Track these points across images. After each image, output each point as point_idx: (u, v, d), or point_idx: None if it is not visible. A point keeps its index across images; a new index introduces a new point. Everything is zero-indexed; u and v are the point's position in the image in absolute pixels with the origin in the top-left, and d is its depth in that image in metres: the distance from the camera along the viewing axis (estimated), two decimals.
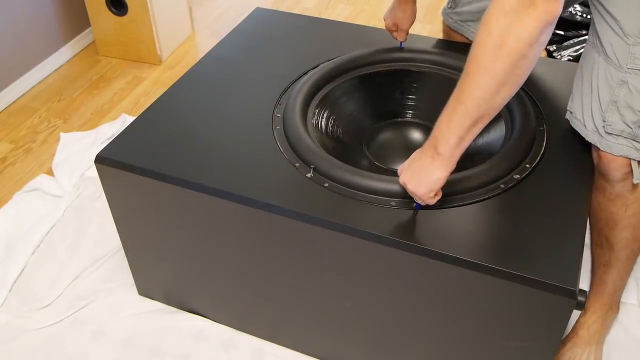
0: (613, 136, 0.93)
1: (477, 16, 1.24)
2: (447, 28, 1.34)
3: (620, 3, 0.89)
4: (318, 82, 1.13)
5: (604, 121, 0.93)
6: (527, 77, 0.75)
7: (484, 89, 0.74)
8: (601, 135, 0.94)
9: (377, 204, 0.91)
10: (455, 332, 0.94)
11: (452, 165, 0.83)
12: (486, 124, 0.78)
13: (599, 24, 0.93)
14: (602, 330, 1.15)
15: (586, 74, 0.96)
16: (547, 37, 0.71)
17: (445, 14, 1.33)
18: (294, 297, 1.06)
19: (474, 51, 0.74)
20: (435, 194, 0.86)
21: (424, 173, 0.83)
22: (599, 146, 0.95)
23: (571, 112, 1.00)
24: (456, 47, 1.28)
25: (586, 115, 0.96)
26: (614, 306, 1.15)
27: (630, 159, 0.94)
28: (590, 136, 0.96)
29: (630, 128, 0.91)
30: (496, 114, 0.78)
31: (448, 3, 1.32)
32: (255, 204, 0.93)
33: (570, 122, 1.01)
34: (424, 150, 0.84)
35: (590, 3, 0.96)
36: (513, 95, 0.76)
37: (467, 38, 1.29)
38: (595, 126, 0.95)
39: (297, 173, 0.97)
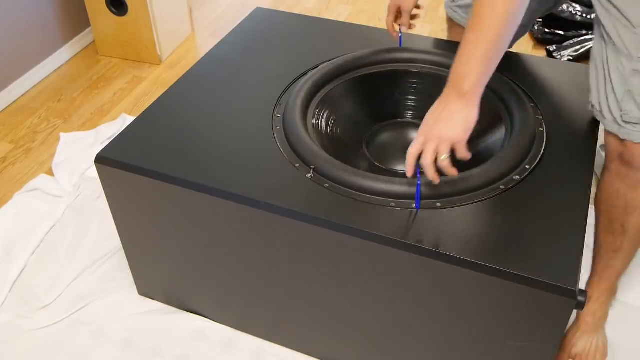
0: (631, 124, 0.95)
1: None
2: (451, 22, 1.34)
3: None
4: (318, 82, 1.13)
5: (621, 110, 0.95)
6: None
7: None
8: (620, 125, 0.96)
9: (377, 204, 0.91)
10: (455, 332, 0.94)
11: (478, 101, 0.86)
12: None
13: (604, 17, 0.95)
14: (606, 314, 1.19)
15: (599, 67, 0.98)
16: None
17: (448, 7, 1.33)
18: (294, 297, 1.06)
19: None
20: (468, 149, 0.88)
21: (457, 115, 0.85)
22: (619, 135, 0.97)
23: (592, 105, 1.02)
24: (456, 47, 1.27)
25: (604, 106, 0.99)
26: (615, 289, 1.19)
27: None
28: (609, 125, 0.99)
29: None
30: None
31: None
32: (256, 204, 0.93)
33: (594, 114, 1.03)
34: (447, 97, 0.87)
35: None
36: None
37: None
38: (614, 116, 0.97)
39: (297, 173, 0.97)
